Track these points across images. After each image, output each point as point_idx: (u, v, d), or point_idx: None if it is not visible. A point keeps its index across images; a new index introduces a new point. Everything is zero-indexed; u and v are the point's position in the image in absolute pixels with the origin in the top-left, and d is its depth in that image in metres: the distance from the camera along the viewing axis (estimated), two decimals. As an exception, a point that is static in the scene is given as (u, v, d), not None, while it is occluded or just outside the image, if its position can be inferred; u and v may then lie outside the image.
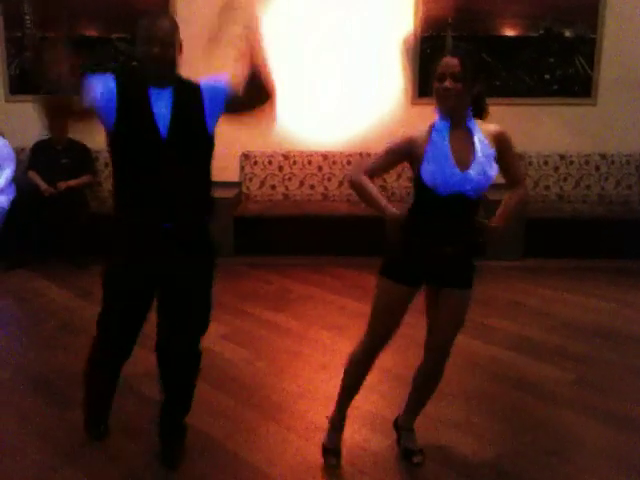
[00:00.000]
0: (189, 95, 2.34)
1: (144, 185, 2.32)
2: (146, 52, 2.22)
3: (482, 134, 2.25)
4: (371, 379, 2.69)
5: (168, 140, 2.29)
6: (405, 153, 2.29)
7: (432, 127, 2.26)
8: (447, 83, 2.16)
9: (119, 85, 2.26)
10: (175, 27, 2.31)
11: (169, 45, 2.24)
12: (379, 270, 2.42)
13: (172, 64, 2.29)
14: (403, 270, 2.37)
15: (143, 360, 2.88)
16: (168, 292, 2.51)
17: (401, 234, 2.31)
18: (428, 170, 2.22)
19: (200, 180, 2.47)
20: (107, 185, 5.78)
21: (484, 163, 2.21)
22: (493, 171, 2.24)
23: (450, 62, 2.17)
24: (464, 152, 2.22)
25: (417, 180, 2.29)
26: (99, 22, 5.68)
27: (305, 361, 3.59)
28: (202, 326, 2.61)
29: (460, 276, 2.38)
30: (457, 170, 2.20)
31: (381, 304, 2.44)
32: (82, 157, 5.56)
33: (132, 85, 2.29)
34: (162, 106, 2.27)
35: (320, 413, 2.91)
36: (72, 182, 5.36)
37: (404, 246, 2.34)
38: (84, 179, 5.49)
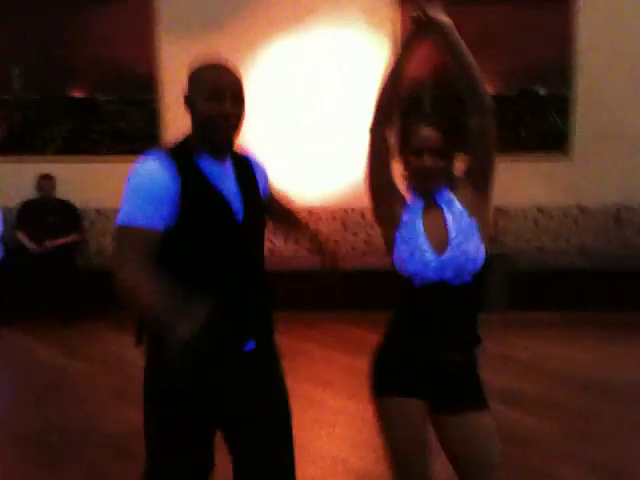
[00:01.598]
0: (246, 167, 1.92)
1: (225, 284, 1.79)
2: (212, 110, 1.72)
3: (456, 200, 1.85)
4: (363, 434, 2.69)
5: (244, 223, 1.82)
6: (393, 200, 1.92)
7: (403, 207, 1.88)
8: (427, 161, 1.80)
9: (177, 172, 1.71)
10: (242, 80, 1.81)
11: (241, 102, 1.78)
12: (370, 391, 1.95)
13: (239, 127, 1.80)
14: (399, 377, 1.88)
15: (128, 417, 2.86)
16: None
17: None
18: (400, 257, 1.84)
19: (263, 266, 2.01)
20: (93, 243, 5.83)
21: (461, 241, 1.79)
22: (474, 245, 1.80)
23: (429, 135, 1.80)
24: (441, 232, 1.82)
25: (393, 266, 1.88)
26: (86, 83, 5.81)
27: (295, 417, 3.58)
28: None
29: (470, 393, 1.88)
30: (433, 255, 1.79)
31: (394, 435, 1.88)
32: (70, 216, 5.63)
33: (187, 164, 1.75)
34: (226, 182, 1.80)
35: (310, 469, 2.90)
36: (59, 241, 5.43)
37: (393, 350, 1.91)
38: (71, 237, 5.55)
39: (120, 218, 1.72)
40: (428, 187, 1.85)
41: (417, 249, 1.80)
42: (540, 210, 5.82)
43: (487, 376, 4.18)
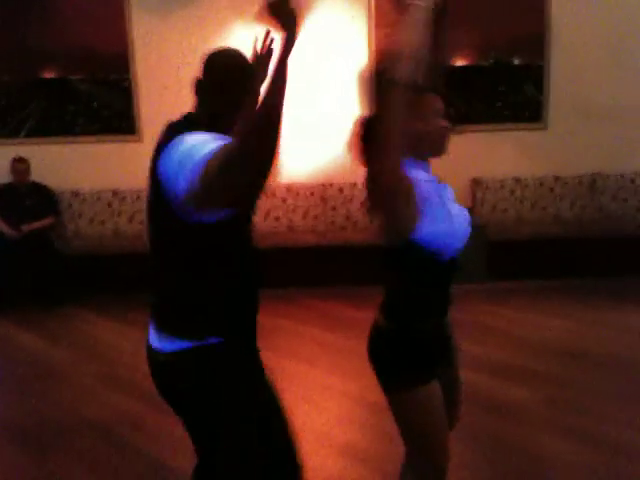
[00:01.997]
0: None
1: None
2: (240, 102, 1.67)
3: None
4: (345, 409, 2.73)
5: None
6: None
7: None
8: (442, 122, 1.81)
9: None
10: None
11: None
12: (403, 385, 1.84)
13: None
14: (431, 363, 1.86)
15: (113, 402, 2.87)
16: None
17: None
18: (440, 233, 1.75)
19: None
20: (71, 226, 5.78)
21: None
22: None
23: (436, 101, 1.84)
24: (454, 202, 1.87)
25: (409, 248, 1.76)
26: (58, 63, 5.70)
27: (283, 395, 3.63)
28: None
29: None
30: (468, 228, 1.84)
31: (431, 418, 1.85)
32: (45, 199, 5.57)
33: None
34: None
35: (304, 447, 2.95)
36: (36, 224, 5.38)
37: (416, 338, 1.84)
38: (48, 220, 5.49)
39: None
40: (446, 147, 1.83)
41: (459, 223, 1.80)
42: (516, 180, 5.87)
43: (466, 346, 4.26)
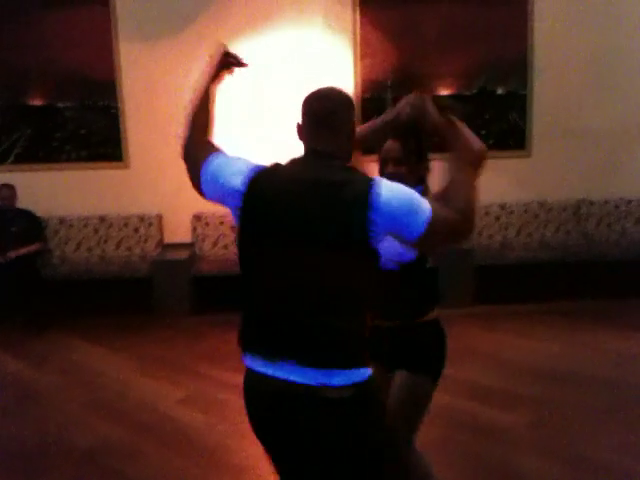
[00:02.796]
0: None
1: None
2: None
3: None
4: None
5: None
6: None
7: None
8: (390, 169, 2.10)
9: None
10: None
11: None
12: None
13: None
14: None
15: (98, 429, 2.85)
16: None
17: None
18: (396, 252, 1.96)
19: None
20: (57, 252, 5.77)
21: None
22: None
23: (391, 146, 2.12)
24: None
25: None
26: (46, 90, 5.73)
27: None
28: None
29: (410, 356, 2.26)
30: None
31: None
32: (32, 225, 5.56)
33: None
34: None
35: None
36: (22, 250, 5.36)
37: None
38: (34, 246, 5.48)
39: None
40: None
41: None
42: (501, 206, 5.94)
43: (453, 370, 4.26)
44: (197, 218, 5.88)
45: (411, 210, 1.59)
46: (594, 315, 5.31)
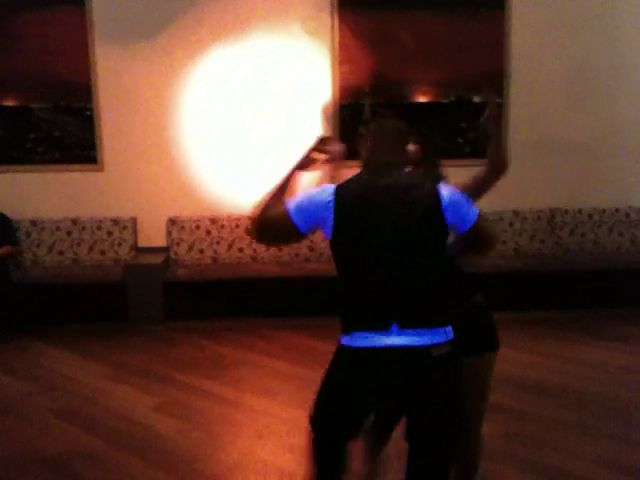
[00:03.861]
0: None
1: None
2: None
3: None
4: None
5: None
6: None
7: None
8: (408, 170, 2.29)
9: None
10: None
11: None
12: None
13: None
14: None
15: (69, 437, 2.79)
16: None
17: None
18: None
19: None
20: (29, 255, 5.67)
21: None
22: None
23: (411, 148, 2.33)
24: None
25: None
26: (19, 91, 5.64)
27: (240, 429, 3.58)
28: None
29: None
30: None
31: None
32: (2, 227, 5.44)
33: None
34: None
35: (258, 482, 2.91)
36: (-8, 253, 5.25)
37: None
38: (5, 249, 5.37)
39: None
40: None
41: None
42: (477, 214, 5.97)
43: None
44: (172, 222, 5.83)
45: (466, 204, 2.08)
46: (567, 325, 5.36)
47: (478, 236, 2.13)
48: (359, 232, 2.02)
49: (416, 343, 1.96)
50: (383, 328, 1.97)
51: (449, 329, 2.02)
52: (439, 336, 1.98)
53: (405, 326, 1.97)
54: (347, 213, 2.02)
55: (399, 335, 1.96)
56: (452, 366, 2.02)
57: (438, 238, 2.05)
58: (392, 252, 1.99)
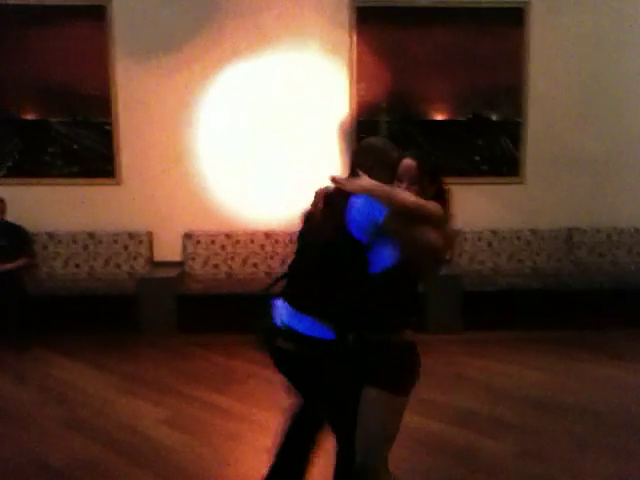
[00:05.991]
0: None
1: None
2: None
3: None
4: (317, 460, 2.67)
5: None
6: None
7: None
8: (403, 186, 2.24)
9: None
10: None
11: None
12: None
13: None
14: None
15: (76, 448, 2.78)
16: None
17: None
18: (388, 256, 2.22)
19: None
20: (44, 267, 5.71)
21: None
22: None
23: (408, 165, 2.26)
24: None
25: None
26: (38, 105, 5.72)
27: (249, 445, 3.53)
28: None
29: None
30: None
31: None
32: (19, 239, 5.50)
33: None
34: None
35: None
36: (9, 265, 5.30)
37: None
38: (21, 261, 5.42)
39: None
40: None
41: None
42: (494, 232, 5.92)
43: (441, 397, 4.22)
44: (188, 236, 5.84)
45: (368, 208, 2.13)
46: (584, 344, 5.27)
47: (397, 240, 2.13)
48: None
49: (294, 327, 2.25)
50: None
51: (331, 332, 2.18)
52: (318, 330, 2.19)
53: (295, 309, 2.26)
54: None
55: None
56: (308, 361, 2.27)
57: (345, 247, 2.17)
58: (307, 255, 2.36)
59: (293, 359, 2.33)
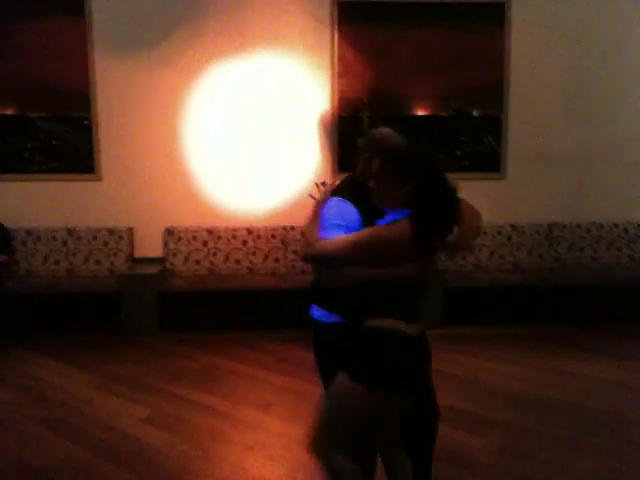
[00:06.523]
0: None
1: None
2: None
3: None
4: (300, 458, 2.66)
5: None
6: None
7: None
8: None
9: None
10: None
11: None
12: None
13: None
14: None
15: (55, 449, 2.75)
16: None
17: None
18: None
19: None
20: (24, 264, 5.64)
21: None
22: None
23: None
24: None
25: None
26: (18, 100, 5.64)
27: (231, 442, 3.52)
28: None
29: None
30: None
31: None
32: (-2, 236, 5.43)
33: None
34: None
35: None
36: (-13, 262, 5.23)
37: None
38: (0, 258, 5.34)
39: None
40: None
41: None
42: (475, 228, 5.93)
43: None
44: (169, 232, 5.80)
45: (325, 217, 2.27)
46: (565, 340, 5.32)
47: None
48: None
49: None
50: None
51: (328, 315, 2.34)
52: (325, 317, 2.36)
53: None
54: None
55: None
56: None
57: None
58: None
59: None
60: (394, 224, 2.12)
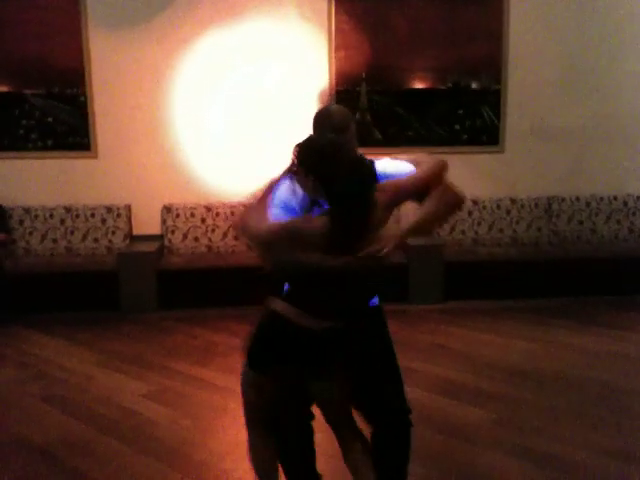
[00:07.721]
0: None
1: None
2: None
3: None
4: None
5: None
6: None
7: None
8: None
9: None
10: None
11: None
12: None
13: None
14: None
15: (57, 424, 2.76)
16: None
17: None
18: None
19: None
20: (22, 243, 5.62)
21: None
22: None
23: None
24: None
25: None
26: (12, 78, 5.58)
27: (231, 417, 3.53)
28: None
29: None
30: None
31: None
32: (-5, 215, 5.41)
33: None
34: None
35: (247, 471, 2.86)
36: (-16, 241, 5.21)
37: None
38: (-2, 237, 5.33)
39: None
40: None
41: None
42: (474, 202, 5.92)
43: (423, 366, 4.24)
44: (167, 209, 5.78)
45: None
46: (564, 312, 5.33)
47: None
48: None
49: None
50: None
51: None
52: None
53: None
54: None
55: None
56: None
57: None
58: None
59: None
60: (314, 217, 2.07)
